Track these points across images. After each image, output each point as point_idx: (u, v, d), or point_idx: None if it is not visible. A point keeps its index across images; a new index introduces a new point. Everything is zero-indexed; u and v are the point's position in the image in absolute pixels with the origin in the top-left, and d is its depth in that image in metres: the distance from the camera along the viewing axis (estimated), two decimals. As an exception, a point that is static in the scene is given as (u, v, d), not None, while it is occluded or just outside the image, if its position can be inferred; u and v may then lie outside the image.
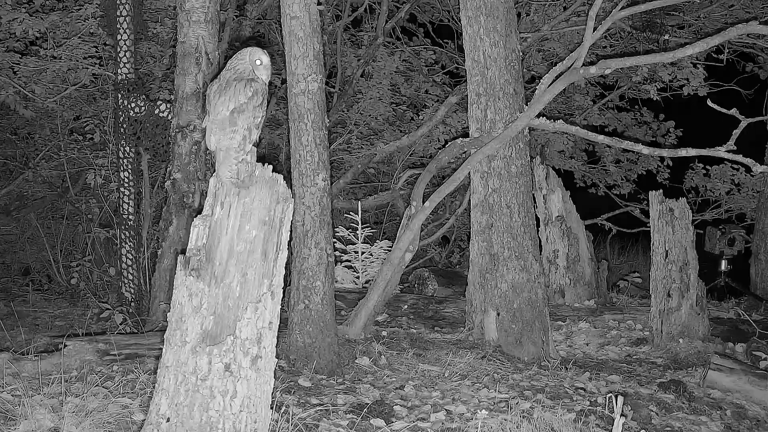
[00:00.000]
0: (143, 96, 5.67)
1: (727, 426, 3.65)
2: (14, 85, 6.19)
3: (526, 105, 4.60)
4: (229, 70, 2.47)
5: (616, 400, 2.79)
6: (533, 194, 4.95)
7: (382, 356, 4.19)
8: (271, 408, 2.51)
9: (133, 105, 5.56)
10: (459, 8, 4.78)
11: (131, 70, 5.67)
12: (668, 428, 3.50)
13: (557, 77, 4.51)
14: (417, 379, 3.93)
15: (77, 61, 6.12)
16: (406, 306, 5.40)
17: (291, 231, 2.81)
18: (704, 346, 4.80)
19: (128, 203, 5.64)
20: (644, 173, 8.92)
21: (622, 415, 2.74)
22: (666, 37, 6.89)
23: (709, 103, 4.55)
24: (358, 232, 6.33)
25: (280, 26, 4.10)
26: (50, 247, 6.62)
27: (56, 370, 3.48)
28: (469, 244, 4.84)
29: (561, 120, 4.77)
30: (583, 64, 4.45)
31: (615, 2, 5.01)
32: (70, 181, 6.98)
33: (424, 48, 8.25)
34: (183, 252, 2.42)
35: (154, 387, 2.48)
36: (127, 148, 5.61)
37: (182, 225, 5.04)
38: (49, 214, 7.18)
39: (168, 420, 2.35)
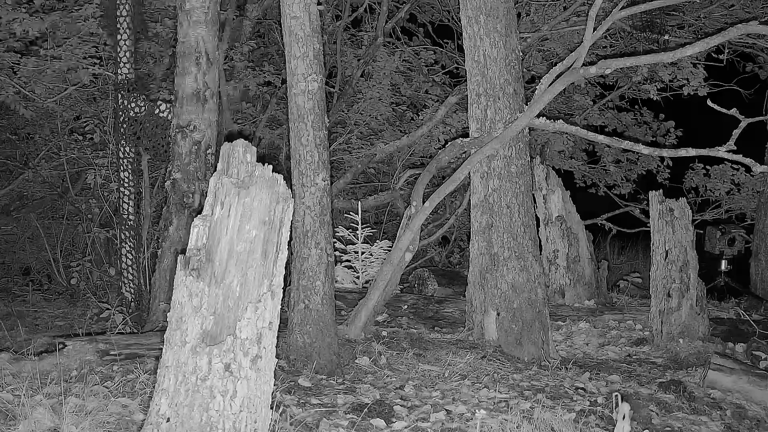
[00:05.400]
0: (143, 96, 5.67)
1: (727, 426, 3.65)
2: (14, 85, 6.19)
3: (526, 105, 4.60)
4: None
5: (620, 401, 2.79)
6: (533, 194, 4.94)
7: (382, 356, 4.18)
8: (271, 408, 2.51)
9: (133, 105, 5.56)
10: (459, 8, 4.78)
11: (131, 70, 5.66)
12: (668, 428, 3.50)
13: (557, 77, 4.51)
14: (417, 379, 3.93)
15: (77, 61, 6.11)
16: (406, 306, 5.40)
17: (291, 231, 2.81)
18: (704, 346, 4.80)
19: (128, 203, 5.64)
20: (644, 173, 8.93)
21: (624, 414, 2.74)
22: (666, 37, 6.89)
23: (709, 103, 4.55)
24: (358, 232, 6.33)
25: (280, 26, 4.10)
26: (50, 247, 6.62)
27: (56, 370, 3.48)
28: (469, 244, 4.84)
29: (561, 120, 4.76)
30: (583, 64, 4.45)
31: (615, 2, 5.00)
32: (70, 181, 6.97)
33: (424, 48, 8.25)
34: (183, 252, 2.42)
35: (154, 387, 2.48)
36: (127, 148, 5.61)
37: (182, 225, 5.04)
38: (49, 214, 7.17)
39: (168, 420, 2.35)
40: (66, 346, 3.67)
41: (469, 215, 4.81)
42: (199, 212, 2.46)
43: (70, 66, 6.14)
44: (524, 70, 6.53)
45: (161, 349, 2.44)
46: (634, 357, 4.78)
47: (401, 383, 3.85)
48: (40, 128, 7.00)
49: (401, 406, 3.50)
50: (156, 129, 5.57)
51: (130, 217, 5.65)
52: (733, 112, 4.44)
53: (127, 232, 5.61)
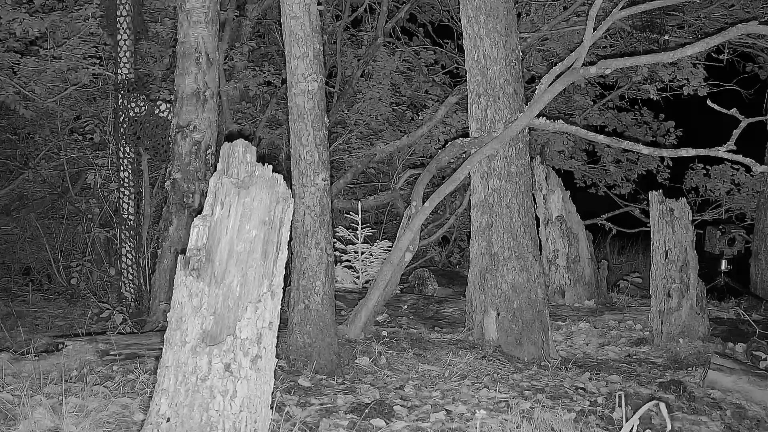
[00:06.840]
0: (143, 96, 5.67)
1: (727, 426, 3.65)
2: (14, 85, 6.19)
3: (526, 105, 4.60)
4: None
5: (623, 401, 2.79)
6: (533, 194, 4.94)
7: (382, 356, 4.18)
8: (271, 408, 2.51)
9: (133, 105, 5.56)
10: (459, 8, 4.78)
11: (131, 70, 5.66)
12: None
13: (557, 77, 4.51)
14: (417, 379, 3.93)
15: (77, 61, 6.12)
16: (406, 306, 5.40)
17: (291, 231, 2.81)
18: (704, 346, 4.80)
19: (128, 203, 5.65)
20: (644, 173, 8.93)
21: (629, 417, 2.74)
22: (666, 37, 6.89)
23: (709, 103, 4.55)
24: (358, 232, 6.33)
25: (280, 26, 4.10)
26: (50, 247, 6.63)
27: (56, 370, 3.48)
28: (469, 244, 4.84)
29: (561, 120, 4.76)
30: (583, 64, 4.45)
31: (615, 2, 5.00)
32: (70, 181, 6.98)
33: (424, 48, 8.25)
34: (183, 252, 2.42)
35: (154, 387, 2.48)
36: (127, 148, 5.61)
37: (182, 225, 5.04)
38: (49, 214, 7.18)
39: (168, 420, 2.35)
40: (66, 346, 3.67)
41: (469, 215, 4.80)
42: (199, 212, 2.46)
43: (70, 66, 6.14)
44: (524, 70, 6.53)
45: (161, 349, 2.44)
46: (634, 357, 4.78)
47: (401, 383, 3.85)
48: (40, 128, 7.01)
49: (401, 406, 3.50)
50: (156, 129, 5.57)
51: (130, 217, 5.65)
52: (733, 112, 4.43)
53: (127, 232, 5.61)
